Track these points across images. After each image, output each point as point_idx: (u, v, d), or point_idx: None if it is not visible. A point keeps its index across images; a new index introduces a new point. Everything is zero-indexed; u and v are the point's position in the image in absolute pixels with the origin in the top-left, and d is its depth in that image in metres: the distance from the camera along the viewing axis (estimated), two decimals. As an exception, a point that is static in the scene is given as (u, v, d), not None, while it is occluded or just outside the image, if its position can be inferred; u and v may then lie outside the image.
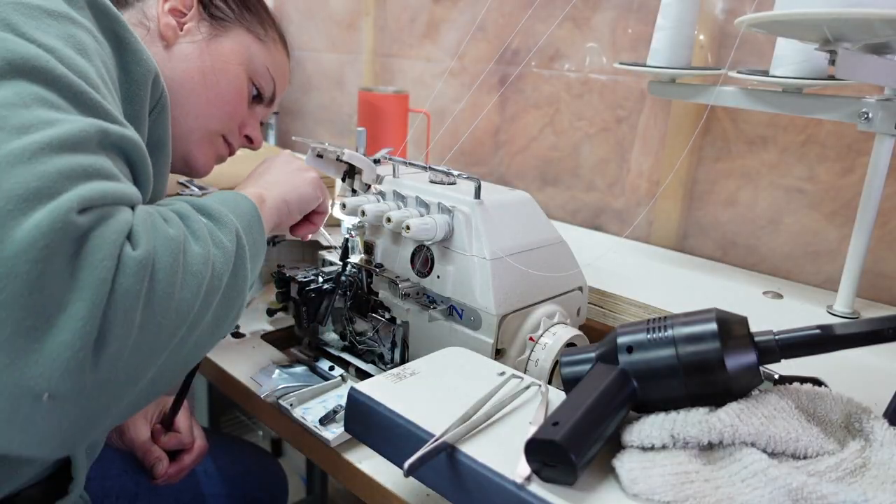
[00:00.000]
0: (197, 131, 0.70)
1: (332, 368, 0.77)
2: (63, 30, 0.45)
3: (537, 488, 0.42)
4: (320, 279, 0.77)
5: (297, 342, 0.83)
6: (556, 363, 0.65)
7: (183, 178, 0.93)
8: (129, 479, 0.77)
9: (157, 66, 0.54)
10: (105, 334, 0.37)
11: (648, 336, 0.47)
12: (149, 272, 0.39)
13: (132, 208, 0.42)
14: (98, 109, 0.43)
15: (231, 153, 0.78)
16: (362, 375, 0.76)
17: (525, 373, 0.65)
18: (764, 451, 0.43)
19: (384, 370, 0.69)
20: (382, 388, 0.54)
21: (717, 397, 0.45)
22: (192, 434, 0.77)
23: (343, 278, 0.78)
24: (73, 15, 0.47)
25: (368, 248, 0.76)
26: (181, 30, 0.69)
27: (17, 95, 0.39)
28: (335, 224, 0.81)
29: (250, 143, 0.78)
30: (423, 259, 0.71)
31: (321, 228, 0.78)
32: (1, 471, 0.51)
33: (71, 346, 0.35)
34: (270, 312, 0.85)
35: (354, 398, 0.54)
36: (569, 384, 0.51)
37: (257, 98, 0.76)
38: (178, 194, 0.88)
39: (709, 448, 0.44)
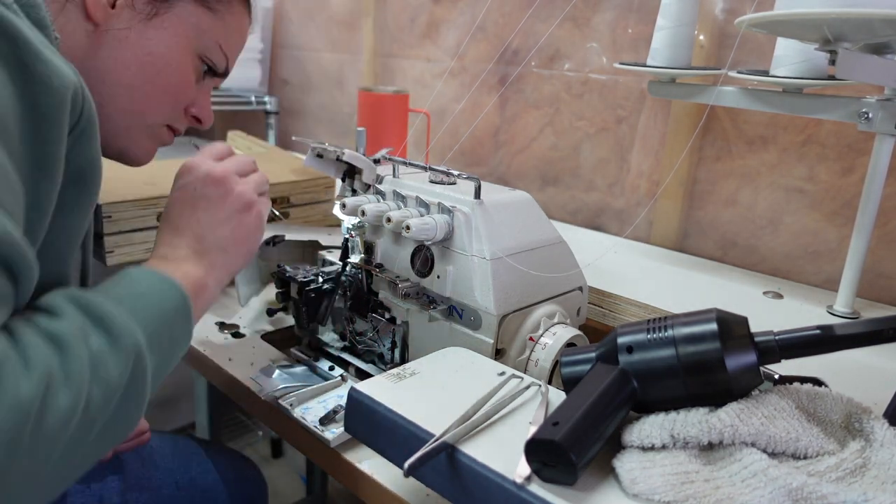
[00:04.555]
0: (134, 127, 0.62)
1: (332, 368, 0.77)
2: None
3: (537, 488, 0.42)
4: (320, 279, 0.77)
5: (297, 342, 0.83)
6: (556, 363, 0.65)
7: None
8: (92, 495, 0.75)
9: (75, 78, 0.45)
10: None
11: (648, 336, 0.47)
12: None
13: None
14: None
15: (176, 135, 0.68)
16: (362, 375, 0.76)
17: (525, 373, 0.65)
18: (764, 451, 0.43)
19: (384, 370, 0.69)
20: (382, 388, 0.54)
21: (717, 397, 0.45)
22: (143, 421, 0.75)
23: (343, 278, 0.78)
24: None
25: (368, 248, 0.76)
26: (112, 7, 0.57)
27: None
28: (335, 224, 0.81)
29: (198, 122, 0.68)
30: (423, 259, 0.71)
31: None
32: None
33: None
34: (270, 312, 0.85)
35: (354, 398, 0.54)
36: (569, 384, 0.51)
37: (209, 72, 0.66)
38: None
39: (709, 448, 0.44)
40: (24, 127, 0.42)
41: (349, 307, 0.78)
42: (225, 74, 0.68)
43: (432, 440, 0.45)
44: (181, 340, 0.50)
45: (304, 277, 0.77)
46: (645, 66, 0.97)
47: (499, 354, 0.66)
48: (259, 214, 0.61)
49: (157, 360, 0.46)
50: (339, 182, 0.81)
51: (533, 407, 0.51)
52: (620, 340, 0.48)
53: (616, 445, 0.45)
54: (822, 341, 0.46)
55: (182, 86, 0.63)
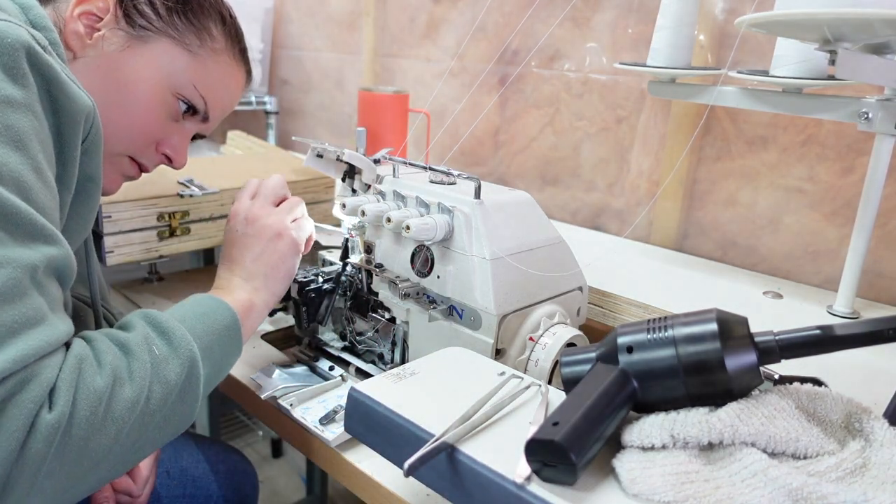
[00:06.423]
0: None
1: (332, 368, 0.77)
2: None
3: (537, 488, 0.42)
4: (320, 279, 0.77)
5: (297, 342, 0.83)
6: (556, 363, 0.65)
7: (183, 178, 0.93)
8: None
9: (90, 103, 0.51)
10: (8, 487, 0.40)
11: (648, 336, 0.47)
12: (61, 431, 0.41)
13: (66, 346, 0.45)
14: (34, 231, 0.44)
15: (144, 172, 0.70)
16: (362, 375, 0.76)
17: (525, 373, 0.65)
18: (764, 451, 0.43)
19: (384, 370, 0.69)
20: (382, 388, 0.54)
21: (717, 397, 0.45)
22: (144, 483, 0.74)
23: (343, 278, 0.78)
24: (9, 93, 0.45)
25: (368, 248, 0.76)
26: (90, 38, 0.60)
27: None
28: (335, 224, 0.82)
29: (169, 161, 0.70)
30: (423, 259, 0.71)
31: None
32: None
33: None
34: (270, 312, 0.85)
35: (354, 398, 0.54)
36: (569, 384, 0.51)
37: (190, 112, 0.67)
38: (178, 195, 0.88)
39: (709, 448, 0.44)
40: (54, 131, 0.49)
41: (349, 307, 0.78)
42: (206, 119, 0.69)
43: (432, 440, 0.45)
44: (231, 352, 0.59)
45: (304, 277, 0.77)
46: (645, 66, 0.97)
47: (499, 354, 0.66)
48: (291, 240, 0.69)
49: (210, 368, 0.55)
50: (339, 182, 0.81)
51: (533, 407, 0.51)
52: (620, 340, 0.48)
53: (616, 445, 0.45)
54: (822, 341, 0.46)
55: (148, 119, 0.64)
